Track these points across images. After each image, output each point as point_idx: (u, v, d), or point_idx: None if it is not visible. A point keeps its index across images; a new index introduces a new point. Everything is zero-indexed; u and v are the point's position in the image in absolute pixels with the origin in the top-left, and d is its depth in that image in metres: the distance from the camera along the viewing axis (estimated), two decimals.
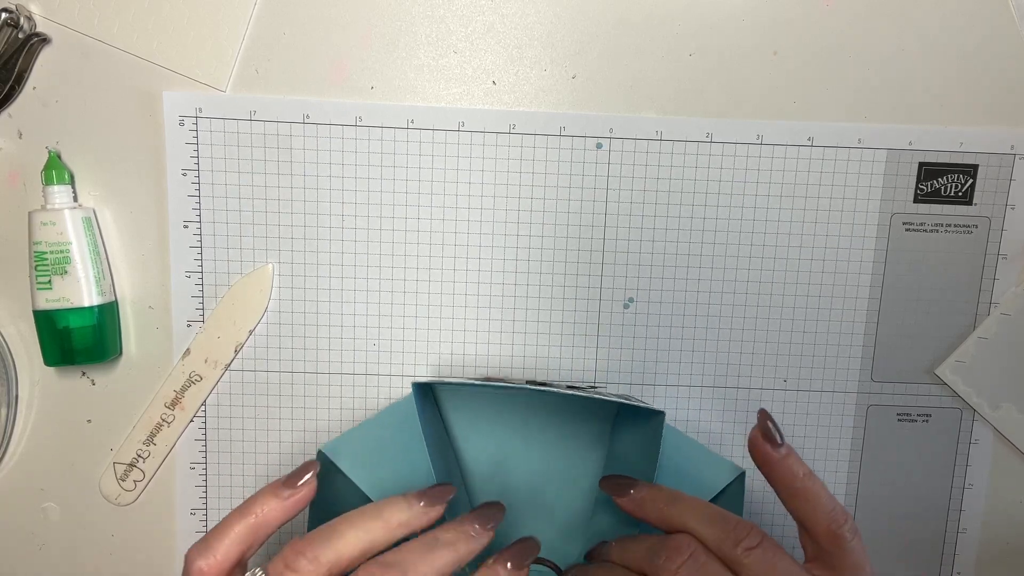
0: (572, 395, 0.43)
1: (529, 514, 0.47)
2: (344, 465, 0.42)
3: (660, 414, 0.42)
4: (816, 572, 0.35)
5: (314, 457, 0.43)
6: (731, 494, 0.43)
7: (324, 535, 0.32)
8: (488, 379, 0.45)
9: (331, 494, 0.42)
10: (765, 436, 0.36)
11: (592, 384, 0.47)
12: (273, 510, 0.33)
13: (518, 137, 0.46)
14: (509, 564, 0.33)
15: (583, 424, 0.48)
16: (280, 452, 0.49)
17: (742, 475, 0.43)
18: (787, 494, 0.36)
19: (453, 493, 0.35)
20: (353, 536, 0.32)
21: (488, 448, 0.48)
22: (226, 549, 0.32)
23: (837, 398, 0.49)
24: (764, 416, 0.37)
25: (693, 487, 0.42)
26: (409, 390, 0.47)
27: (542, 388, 0.43)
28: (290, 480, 0.34)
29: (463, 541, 0.33)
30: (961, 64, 0.46)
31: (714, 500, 0.42)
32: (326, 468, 0.42)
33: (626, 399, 0.45)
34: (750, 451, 0.37)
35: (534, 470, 0.48)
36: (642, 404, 0.44)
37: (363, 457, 0.43)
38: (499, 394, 0.47)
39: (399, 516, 0.33)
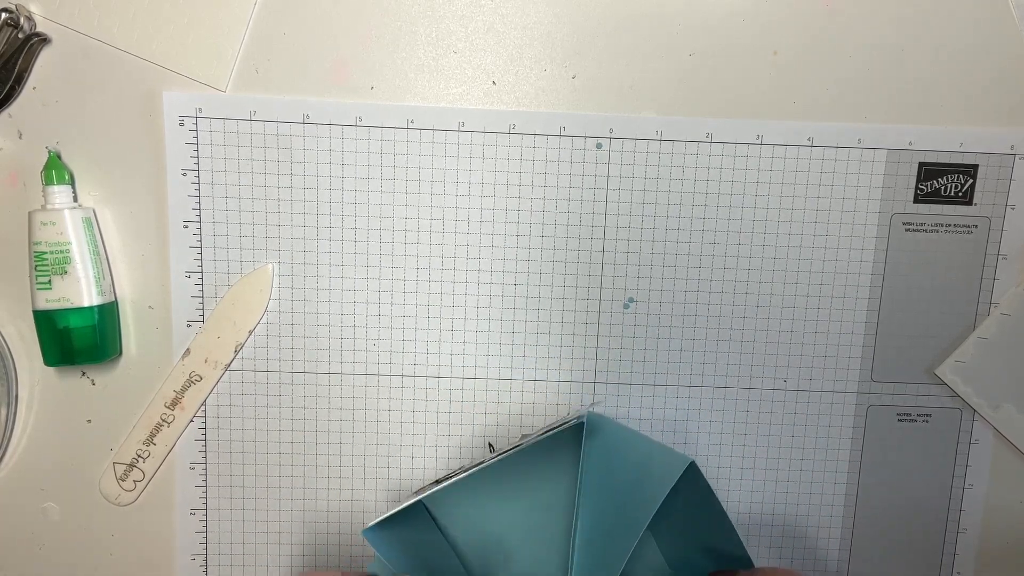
0: (520, 448, 0.45)
1: (530, 561, 0.48)
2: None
3: (581, 427, 0.45)
4: None
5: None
6: (690, 481, 0.43)
7: None
8: (438, 481, 0.46)
9: None
10: None
11: (549, 427, 0.47)
12: None
13: (518, 137, 0.46)
14: None
15: (549, 464, 0.48)
16: (280, 452, 0.49)
17: (692, 464, 0.43)
18: None
19: None
20: None
21: (479, 527, 0.48)
22: None
23: (837, 398, 0.49)
24: None
25: (652, 481, 0.43)
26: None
27: (480, 465, 0.44)
28: None
29: None
30: (961, 64, 0.46)
31: (676, 489, 0.43)
32: None
33: (553, 427, 0.46)
34: None
35: (520, 525, 0.48)
36: (562, 426, 0.45)
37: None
38: (467, 479, 0.47)
39: None
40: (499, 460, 0.45)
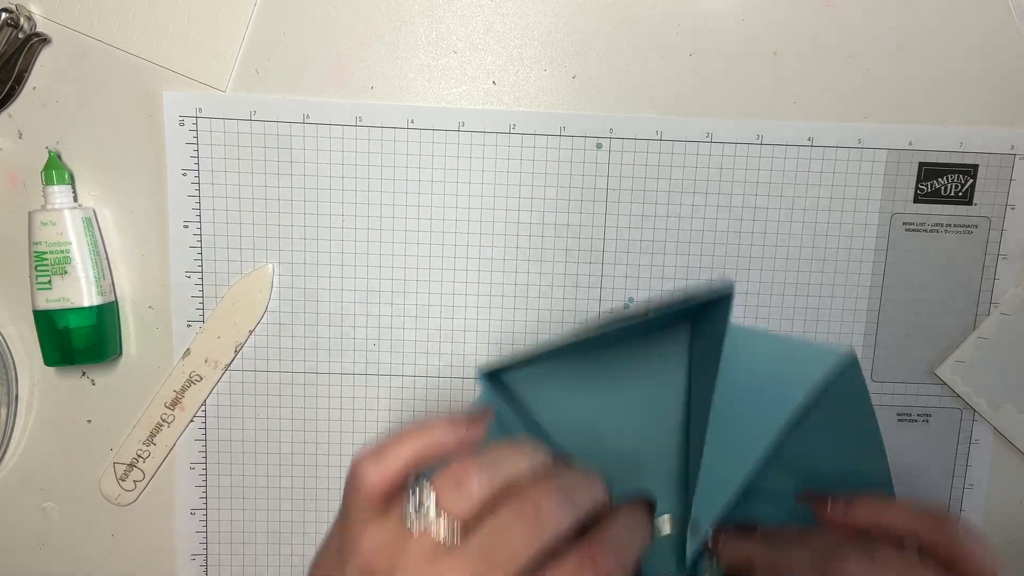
0: (633, 326, 0.38)
1: (628, 469, 0.43)
2: None
3: (727, 301, 0.36)
4: None
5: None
6: (847, 383, 0.38)
7: (490, 460, 0.31)
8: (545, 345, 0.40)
9: None
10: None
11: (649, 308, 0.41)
12: (446, 441, 0.32)
13: (518, 137, 0.46)
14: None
15: (656, 353, 0.42)
16: (280, 452, 0.49)
17: (852, 357, 0.37)
18: None
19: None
20: (513, 462, 0.31)
21: (574, 418, 0.43)
22: (396, 467, 0.31)
23: None
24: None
25: (786, 380, 0.38)
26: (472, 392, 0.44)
27: (598, 332, 0.39)
28: (468, 418, 0.33)
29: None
30: (961, 64, 0.46)
31: (827, 392, 0.37)
32: None
33: (683, 300, 0.38)
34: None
35: (621, 423, 0.43)
36: (697, 299, 0.38)
37: None
38: (564, 363, 0.42)
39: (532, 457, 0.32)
40: (602, 337, 0.39)
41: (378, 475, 0.31)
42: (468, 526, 0.29)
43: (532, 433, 0.42)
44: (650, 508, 0.34)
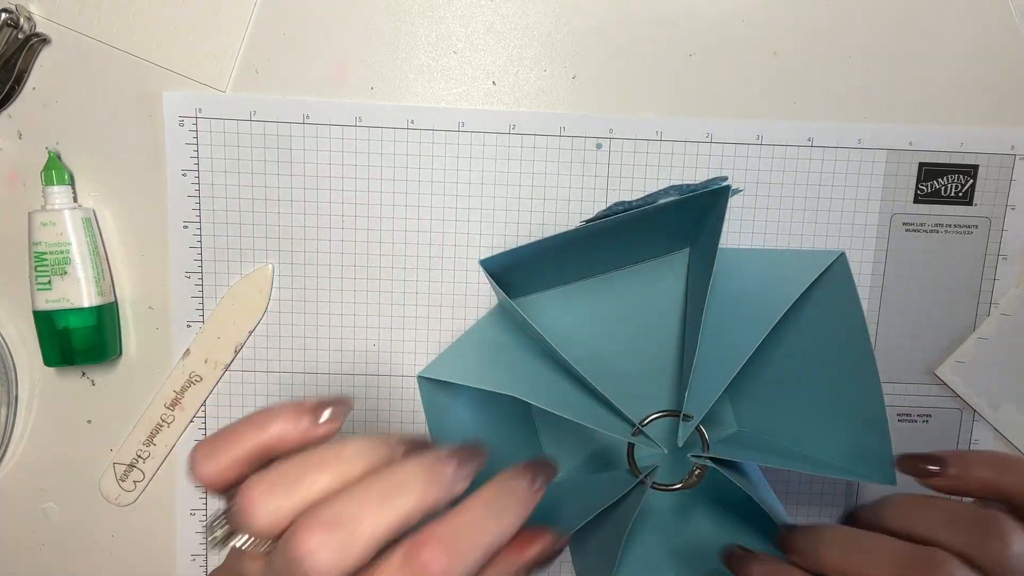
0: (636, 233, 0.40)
1: (627, 380, 0.45)
2: (447, 375, 0.41)
3: (723, 195, 0.39)
4: None
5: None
6: (836, 276, 0.41)
7: (295, 470, 0.27)
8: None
9: (446, 415, 0.39)
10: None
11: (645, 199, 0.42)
12: (289, 435, 0.29)
13: (518, 137, 0.46)
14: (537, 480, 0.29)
15: (657, 273, 0.46)
16: None
17: (841, 256, 0.40)
18: None
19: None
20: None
21: (578, 334, 0.45)
22: (228, 465, 0.28)
23: None
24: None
25: (781, 283, 0.41)
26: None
27: (594, 222, 0.40)
28: (317, 409, 0.29)
29: (434, 486, 0.27)
30: (961, 64, 0.46)
31: (815, 284, 0.41)
32: (431, 393, 0.43)
33: (678, 192, 0.40)
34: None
35: (623, 340, 0.45)
36: (691, 192, 0.40)
37: (469, 363, 0.42)
38: (569, 286, 0.45)
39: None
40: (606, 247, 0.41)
41: (209, 473, 0.28)
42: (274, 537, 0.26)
43: (530, 336, 0.43)
44: (542, 469, 0.29)
